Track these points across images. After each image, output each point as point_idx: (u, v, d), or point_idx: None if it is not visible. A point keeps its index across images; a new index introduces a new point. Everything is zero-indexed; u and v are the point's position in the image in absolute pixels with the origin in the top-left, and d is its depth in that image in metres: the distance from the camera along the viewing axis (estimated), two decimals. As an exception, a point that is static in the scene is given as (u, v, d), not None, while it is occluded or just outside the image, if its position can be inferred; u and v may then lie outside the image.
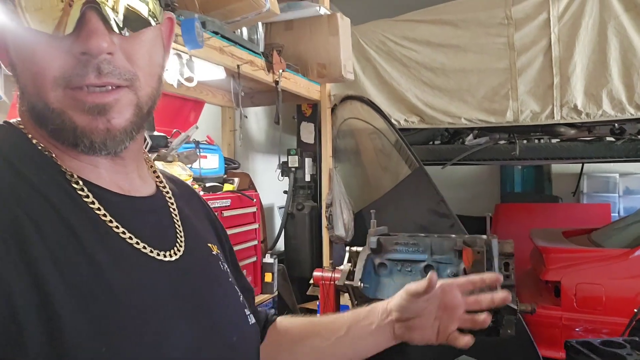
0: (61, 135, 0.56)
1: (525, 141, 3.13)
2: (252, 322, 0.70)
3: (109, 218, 0.56)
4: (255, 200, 2.24)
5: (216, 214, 0.82)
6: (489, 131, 3.26)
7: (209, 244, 0.71)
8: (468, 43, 3.06)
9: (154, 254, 0.59)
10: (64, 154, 0.58)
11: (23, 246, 0.49)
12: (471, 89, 3.06)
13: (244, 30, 2.38)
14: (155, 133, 1.51)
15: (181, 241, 0.64)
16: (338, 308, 2.15)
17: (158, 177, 0.70)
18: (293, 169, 2.92)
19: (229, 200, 2.12)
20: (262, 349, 0.77)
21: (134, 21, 0.57)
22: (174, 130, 2.07)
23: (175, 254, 0.62)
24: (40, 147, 0.57)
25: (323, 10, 2.61)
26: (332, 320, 0.87)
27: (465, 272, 1.85)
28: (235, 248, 0.85)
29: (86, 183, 0.57)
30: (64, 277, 0.50)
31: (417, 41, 3.18)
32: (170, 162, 1.96)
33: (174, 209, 0.67)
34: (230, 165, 2.44)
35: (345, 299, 2.15)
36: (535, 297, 3.30)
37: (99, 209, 0.56)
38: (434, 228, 2.54)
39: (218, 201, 2.07)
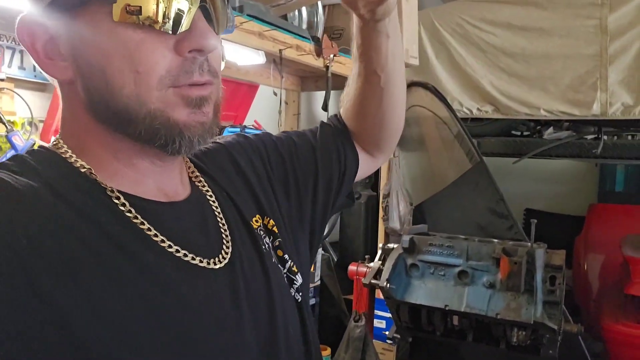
0: (155, 136, 0.55)
1: (615, 137, 2.78)
2: (299, 300, 0.71)
3: (153, 232, 0.57)
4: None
5: (257, 134, 0.84)
6: (582, 124, 2.94)
7: (252, 220, 0.71)
8: (554, 26, 2.76)
9: (204, 264, 0.59)
10: (107, 169, 0.58)
11: (78, 273, 0.49)
12: (555, 76, 2.76)
13: (304, 13, 2.33)
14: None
15: (227, 241, 0.64)
16: (373, 304, 2.07)
17: (194, 173, 0.70)
18: (351, 157, 2.84)
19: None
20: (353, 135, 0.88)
21: (223, 21, 0.60)
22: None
23: (224, 258, 0.62)
24: (79, 166, 0.57)
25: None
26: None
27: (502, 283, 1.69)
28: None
29: (127, 197, 0.57)
30: (126, 301, 0.51)
31: (496, 24, 2.92)
32: (210, 146, 1.98)
33: (215, 207, 0.67)
34: (279, 150, 2.43)
35: (380, 294, 2.06)
36: (617, 313, 2.96)
37: (142, 224, 0.56)
38: (492, 229, 2.35)
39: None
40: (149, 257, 0.55)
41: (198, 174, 0.70)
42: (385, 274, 1.78)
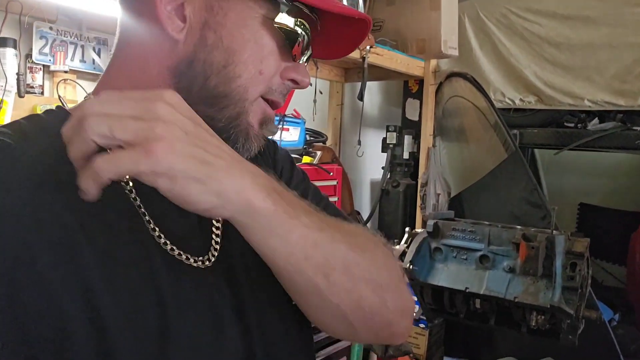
0: (230, 128, 0.59)
1: (665, 128, 2.70)
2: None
3: (152, 226, 0.56)
4: (332, 173, 2.31)
5: (288, 161, 0.84)
6: (637, 115, 2.87)
7: None
8: (600, 14, 2.70)
9: (190, 262, 0.58)
10: None
11: (73, 253, 0.49)
12: (600, 66, 2.71)
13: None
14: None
15: (217, 241, 0.63)
16: (401, 287, 2.15)
17: None
18: (391, 146, 2.91)
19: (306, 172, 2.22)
20: None
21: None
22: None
23: (210, 260, 0.60)
24: None
25: (424, -17, 2.52)
26: None
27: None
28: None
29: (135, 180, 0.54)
30: (113, 286, 0.50)
31: (542, 13, 2.89)
32: (250, 133, 2.12)
33: None
34: (318, 138, 2.53)
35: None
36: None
37: (144, 214, 0.56)
38: (526, 218, 2.36)
39: (295, 172, 2.18)
40: (143, 248, 0.54)
41: None
42: (408, 256, 1.86)
